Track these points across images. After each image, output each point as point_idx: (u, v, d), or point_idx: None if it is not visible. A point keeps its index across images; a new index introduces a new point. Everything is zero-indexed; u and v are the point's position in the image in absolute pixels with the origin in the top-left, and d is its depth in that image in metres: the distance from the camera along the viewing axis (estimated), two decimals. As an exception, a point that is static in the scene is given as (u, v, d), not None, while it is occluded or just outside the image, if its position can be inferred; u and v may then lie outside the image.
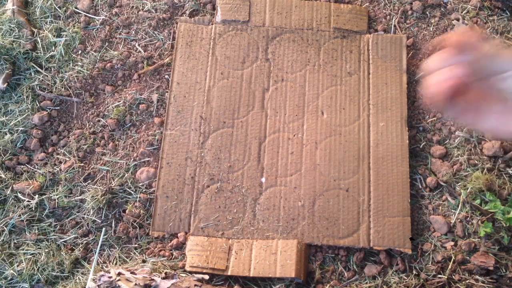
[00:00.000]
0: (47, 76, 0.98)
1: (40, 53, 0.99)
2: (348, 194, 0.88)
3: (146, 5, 1.01)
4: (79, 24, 1.01)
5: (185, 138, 0.91)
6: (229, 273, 0.82)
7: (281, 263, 0.83)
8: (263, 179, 0.89)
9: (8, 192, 0.91)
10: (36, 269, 0.87)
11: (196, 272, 0.83)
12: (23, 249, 0.88)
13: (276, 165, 0.89)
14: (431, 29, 0.98)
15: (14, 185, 0.91)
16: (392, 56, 0.94)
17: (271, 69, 0.94)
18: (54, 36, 1.00)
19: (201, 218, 0.87)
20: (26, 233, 0.89)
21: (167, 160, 0.90)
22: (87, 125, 0.96)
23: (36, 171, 0.93)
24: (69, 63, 0.98)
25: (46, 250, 0.88)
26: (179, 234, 0.86)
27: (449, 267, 0.82)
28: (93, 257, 0.87)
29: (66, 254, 0.87)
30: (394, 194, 0.87)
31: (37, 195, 0.90)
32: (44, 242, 0.89)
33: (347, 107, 0.92)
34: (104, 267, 0.84)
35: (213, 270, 0.82)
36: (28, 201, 0.90)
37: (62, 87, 0.97)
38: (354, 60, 0.95)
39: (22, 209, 0.90)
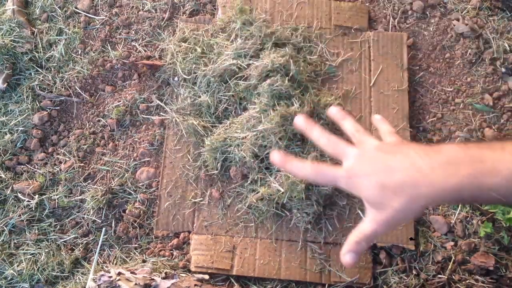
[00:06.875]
0: (47, 76, 0.98)
1: (40, 53, 0.99)
2: None
3: (146, 5, 1.01)
4: (79, 24, 1.01)
5: (188, 136, 0.90)
6: (234, 273, 0.83)
7: (285, 265, 0.83)
8: (266, 177, 0.88)
9: (8, 192, 0.91)
10: (36, 269, 0.86)
11: (201, 272, 0.82)
12: (23, 249, 0.88)
13: (278, 163, 0.89)
14: (431, 29, 0.98)
15: (14, 185, 0.91)
16: (393, 53, 0.95)
17: (273, 67, 0.94)
18: (54, 36, 1.00)
19: (205, 217, 0.87)
20: (26, 233, 0.89)
21: (170, 159, 0.90)
22: (87, 125, 0.96)
23: (36, 171, 0.93)
24: (69, 63, 0.98)
25: (46, 250, 0.87)
26: (180, 234, 0.86)
27: (449, 267, 0.82)
28: (93, 257, 0.86)
29: (66, 254, 0.87)
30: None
31: (37, 195, 0.90)
32: (44, 242, 0.88)
33: (348, 104, 0.92)
34: (104, 267, 0.84)
35: (218, 270, 0.83)
36: (28, 201, 0.90)
37: (62, 87, 0.97)
38: (355, 57, 0.95)
39: (22, 209, 0.90)
